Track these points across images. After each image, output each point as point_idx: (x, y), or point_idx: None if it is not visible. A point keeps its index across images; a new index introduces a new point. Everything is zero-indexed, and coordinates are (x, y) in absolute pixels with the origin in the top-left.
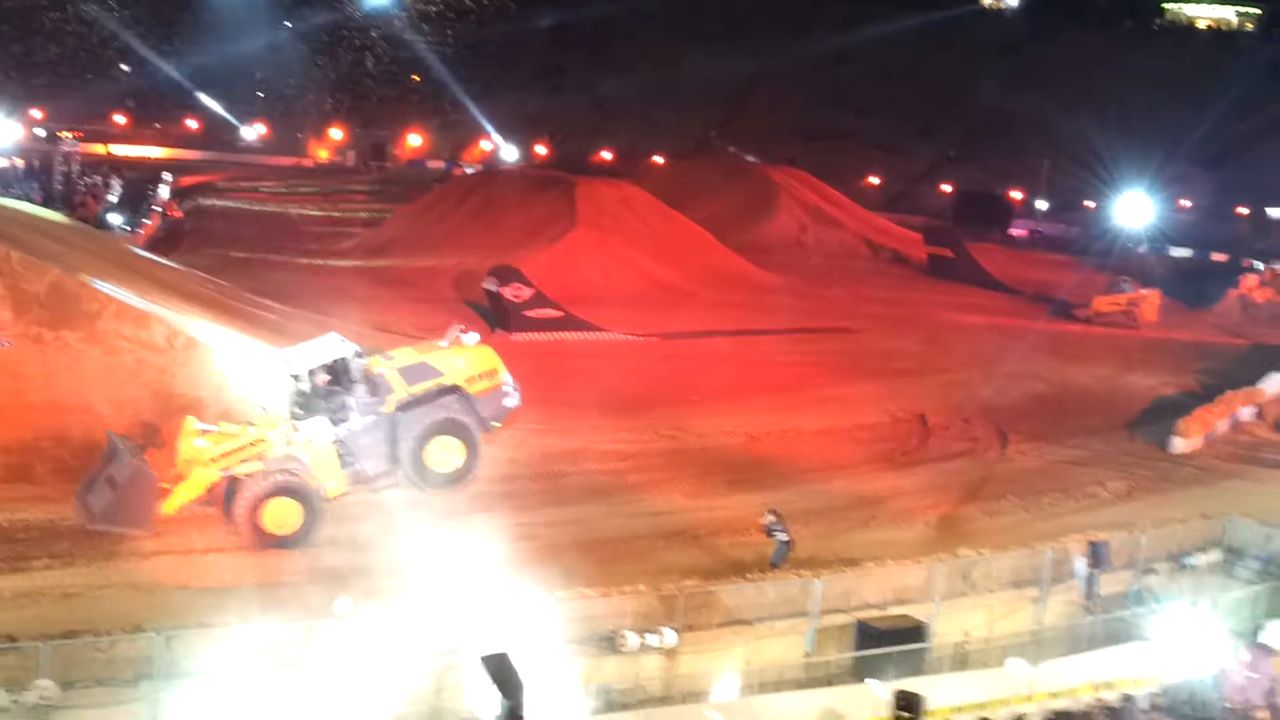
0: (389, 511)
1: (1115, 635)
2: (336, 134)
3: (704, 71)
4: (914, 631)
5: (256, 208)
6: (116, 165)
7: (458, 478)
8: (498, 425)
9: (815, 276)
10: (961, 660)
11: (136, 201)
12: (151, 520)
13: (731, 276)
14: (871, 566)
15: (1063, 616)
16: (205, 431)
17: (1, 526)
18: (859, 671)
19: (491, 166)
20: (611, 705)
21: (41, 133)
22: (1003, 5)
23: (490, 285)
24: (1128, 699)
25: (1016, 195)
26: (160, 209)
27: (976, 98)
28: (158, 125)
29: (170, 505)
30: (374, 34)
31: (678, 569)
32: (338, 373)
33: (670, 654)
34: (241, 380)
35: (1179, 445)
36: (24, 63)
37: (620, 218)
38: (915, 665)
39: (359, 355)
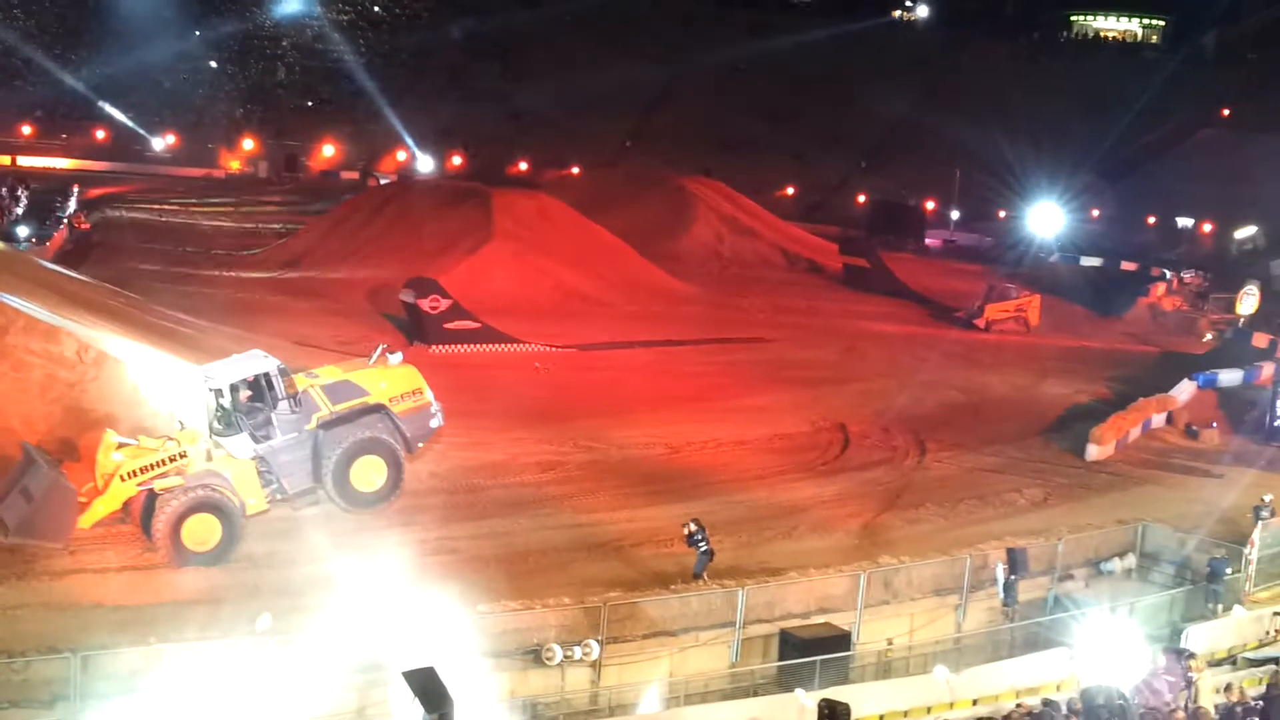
0: (307, 527)
1: (1035, 641)
2: (248, 144)
3: (617, 81)
4: (838, 640)
5: (167, 219)
6: (22, 177)
7: (380, 498)
8: (421, 445)
9: (732, 287)
10: (885, 668)
11: (43, 213)
12: (69, 533)
13: (648, 287)
14: (794, 576)
15: (983, 623)
16: (124, 445)
17: None
18: (784, 681)
19: (406, 177)
20: (538, 718)
21: None
22: (913, 17)
23: (407, 297)
24: (1048, 704)
25: (930, 205)
26: (67, 221)
27: (888, 108)
28: (64, 136)
29: (88, 519)
30: (285, 43)
31: (601, 581)
32: (260, 389)
33: (595, 666)
34: (154, 395)
35: (1094, 452)
36: None
37: (537, 228)
38: (840, 674)
39: (282, 372)
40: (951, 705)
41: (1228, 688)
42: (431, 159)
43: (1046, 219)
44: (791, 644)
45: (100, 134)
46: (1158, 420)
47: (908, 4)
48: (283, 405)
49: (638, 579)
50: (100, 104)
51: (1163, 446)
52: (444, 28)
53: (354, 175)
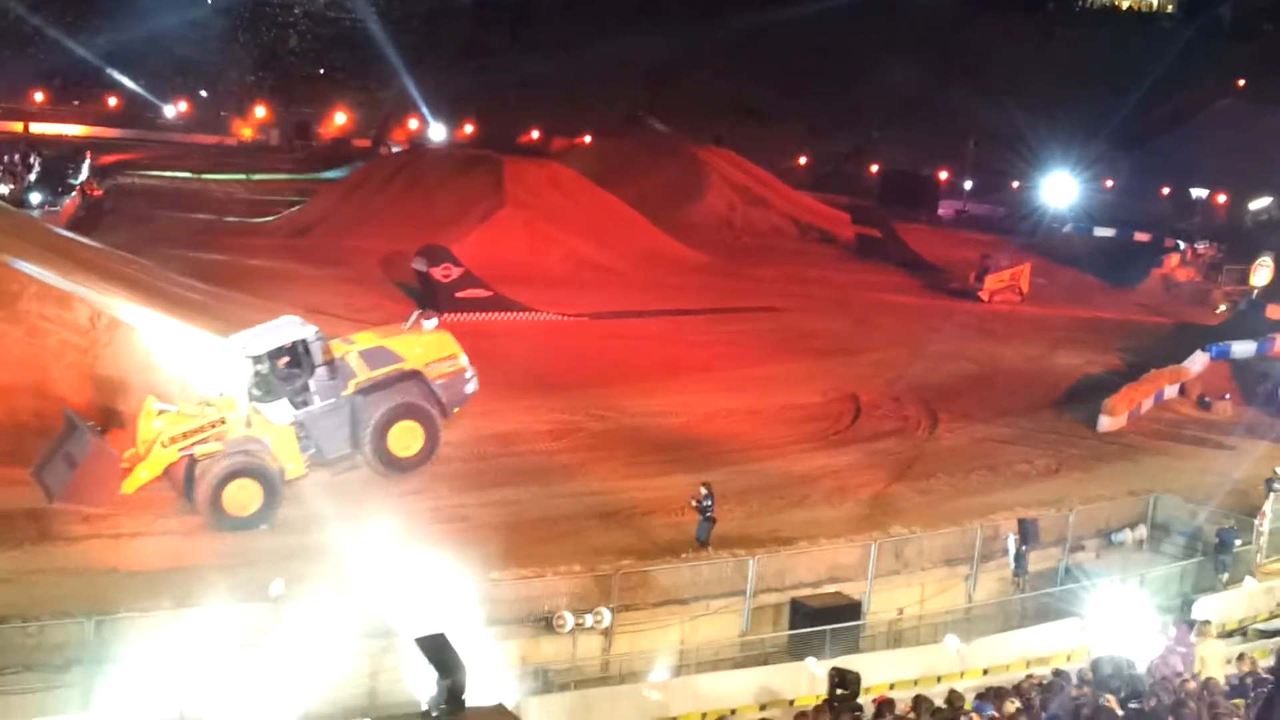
0: (318, 494)
1: (1045, 611)
2: (260, 112)
3: (630, 49)
4: (848, 609)
5: (179, 187)
6: (35, 143)
7: (417, 462)
8: (457, 410)
9: (744, 256)
10: (896, 637)
11: (56, 180)
12: (112, 498)
13: (660, 256)
14: (805, 545)
15: (994, 593)
16: (164, 412)
17: None
18: (795, 650)
19: (418, 145)
20: (549, 685)
21: None
22: None
23: (419, 265)
24: (1058, 674)
25: (943, 175)
26: (80, 188)
27: (902, 78)
28: (77, 102)
29: (130, 484)
30: (297, 10)
31: (612, 549)
32: (298, 355)
33: (607, 634)
34: (166, 361)
35: (1105, 423)
36: None
37: (549, 197)
38: (850, 643)
39: (319, 338)
40: (962, 675)
41: (1239, 658)
42: (443, 127)
43: (1060, 189)
44: (802, 613)
45: (112, 101)
46: (1170, 391)
47: None
48: (320, 372)
49: (649, 547)
50: (112, 71)
51: (1175, 418)
52: None
53: (366, 143)
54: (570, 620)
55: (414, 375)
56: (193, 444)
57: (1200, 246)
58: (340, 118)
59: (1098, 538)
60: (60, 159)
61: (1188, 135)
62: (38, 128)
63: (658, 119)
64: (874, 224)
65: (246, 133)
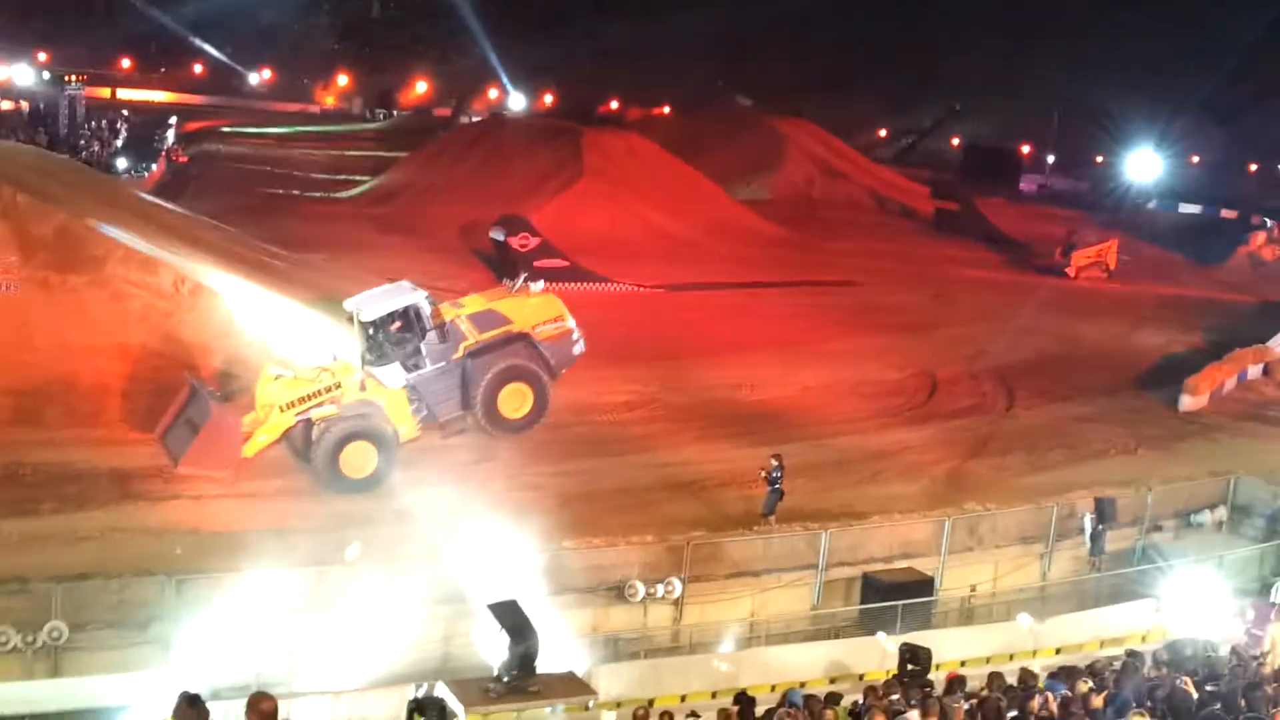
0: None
1: (1121, 592)
2: (343, 80)
3: (710, 20)
4: (921, 585)
5: (263, 153)
6: (122, 109)
7: (527, 423)
8: (564, 371)
9: (821, 230)
10: (968, 615)
11: (142, 146)
12: (233, 463)
13: (738, 229)
14: (878, 520)
15: (1069, 572)
16: (281, 377)
17: (10, 470)
18: (866, 624)
19: (498, 114)
20: (620, 654)
21: (47, 76)
22: None
23: (497, 234)
24: (1132, 654)
25: (1025, 149)
26: (166, 154)
27: (984, 51)
28: (163, 70)
29: (251, 448)
30: None
31: (684, 520)
32: (409, 319)
33: (677, 604)
34: (248, 327)
35: (1187, 403)
36: (28, 5)
37: (627, 168)
38: (922, 619)
39: (430, 302)
40: (1035, 653)
41: None
42: (523, 96)
43: (1145, 165)
44: (874, 588)
45: (198, 68)
46: (1254, 372)
47: None
48: (431, 335)
49: (720, 519)
50: (197, 39)
51: (1258, 398)
52: None
53: (446, 112)
54: (641, 590)
55: (522, 337)
56: (309, 408)
57: None
58: (421, 86)
59: (1176, 518)
60: (146, 125)
61: (1276, 110)
62: (124, 94)
63: (737, 91)
64: (953, 198)
65: (329, 100)
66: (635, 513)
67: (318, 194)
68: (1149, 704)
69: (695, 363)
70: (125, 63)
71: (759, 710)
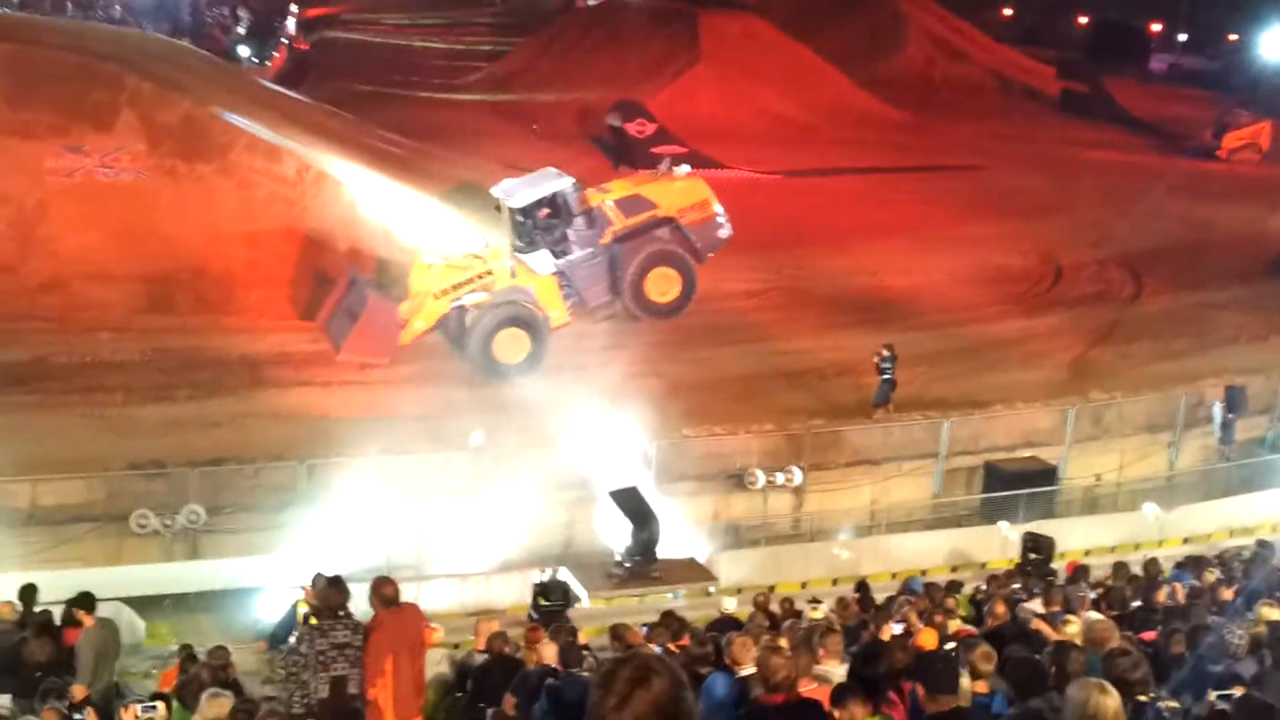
0: None
1: (1251, 481)
2: None
3: None
4: (1044, 474)
5: (382, 40)
6: None
7: (675, 308)
8: (711, 255)
9: (943, 112)
10: (1092, 504)
11: (264, 34)
12: (392, 350)
13: (857, 112)
14: (1001, 409)
15: (1197, 462)
16: (434, 264)
17: (144, 357)
18: (987, 513)
19: None
20: (740, 541)
21: None
22: None
23: (614, 120)
24: (1263, 545)
25: (1155, 27)
26: (287, 41)
27: None
28: None
29: (407, 335)
30: None
31: (803, 409)
32: (557, 206)
33: (797, 492)
34: (371, 215)
35: None
36: None
37: (744, 51)
38: (1045, 508)
39: (576, 188)
40: (1161, 543)
41: None
42: None
43: None
44: (996, 476)
45: None
46: None
47: None
48: (578, 221)
49: (840, 408)
50: None
51: None
52: None
53: None
54: (762, 478)
55: (669, 222)
56: (462, 294)
57: None
58: None
59: None
60: (268, 13)
61: None
62: None
63: None
64: (1080, 78)
65: None
66: (755, 401)
67: (436, 81)
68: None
69: (814, 250)
70: None
71: (878, 598)
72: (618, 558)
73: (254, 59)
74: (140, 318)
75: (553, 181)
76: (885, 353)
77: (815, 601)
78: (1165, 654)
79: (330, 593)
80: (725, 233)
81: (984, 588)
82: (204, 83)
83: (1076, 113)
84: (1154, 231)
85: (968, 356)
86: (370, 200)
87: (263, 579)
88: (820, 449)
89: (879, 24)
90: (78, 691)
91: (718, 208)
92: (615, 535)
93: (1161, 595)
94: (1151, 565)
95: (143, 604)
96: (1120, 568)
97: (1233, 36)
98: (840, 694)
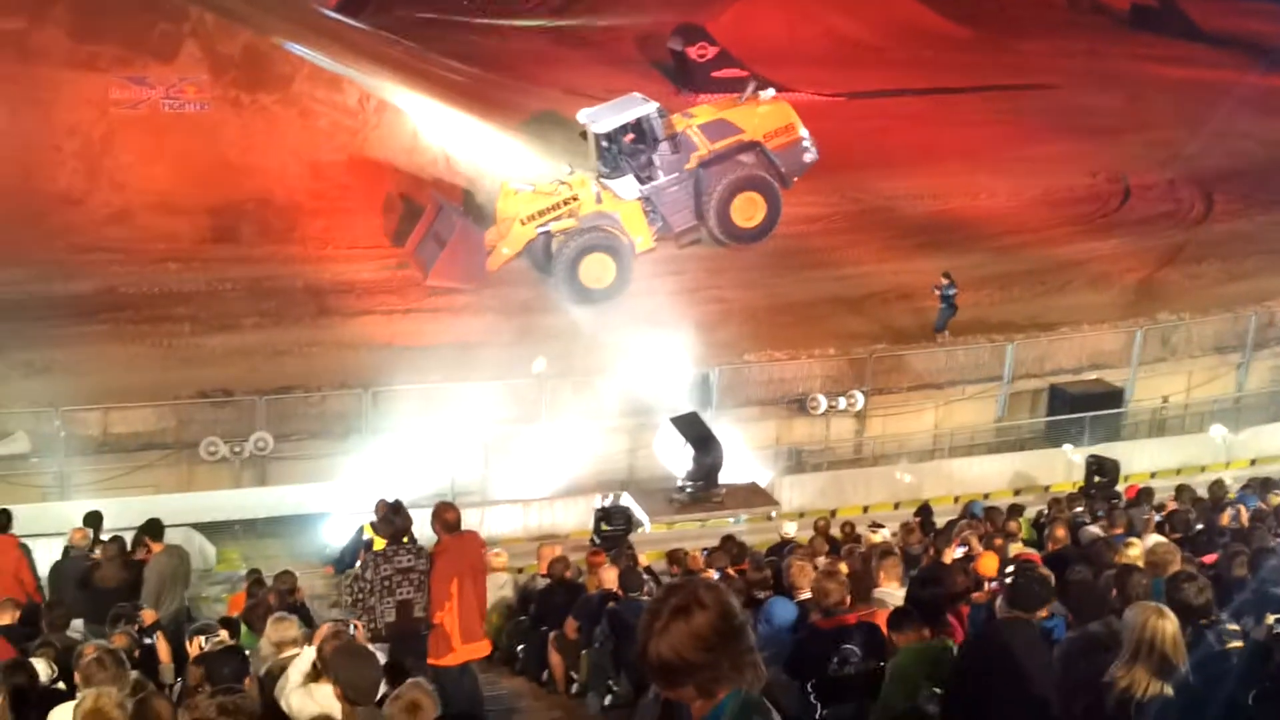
0: None
1: None
2: None
3: None
4: (1110, 396)
5: None
6: None
7: (760, 232)
8: (796, 179)
9: (1009, 29)
10: (1159, 426)
11: None
12: (480, 276)
13: (921, 30)
14: (1066, 331)
15: (1266, 383)
16: (520, 191)
17: (211, 287)
18: (1052, 436)
19: None
20: (802, 465)
21: None
22: None
23: (675, 44)
24: None
25: None
26: None
27: None
28: None
29: (494, 261)
30: None
31: (865, 333)
32: (642, 131)
33: (860, 416)
34: (433, 143)
35: None
36: None
37: None
38: (1111, 430)
39: (660, 114)
40: (1228, 465)
41: None
42: None
43: None
44: (1061, 399)
45: None
46: None
47: None
48: (663, 147)
49: (902, 332)
50: None
51: None
52: None
53: None
54: (824, 402)
55: (754, 146)
56: (548, 221)
57: None
58: None
59: None
60: None
61: None
62: None
63: None
64: None
65: None
66: (816, 325)
67: (495, 6)
68: None
69: (878, 173)
70: None
71: (939, 522)
72: (679, 483)
73: None
74: (206, 248)
75: (638, 107)
76: (945, 280)
77: (877, 526)
78: (1227, 576)
79: (391, 519)
80: (811, 156)
81: (1046, 511)
82: (265, 13)
83: (1147, 28)
84: (1227, 150)
85: (1034, 279)
86: (432, 129)
87: (329, 505)
88: (883, 373)
89: None
90: (147, 616)
91: (803, 131)
92: (677, 461)
93: (1226, 517)
94: (1217, 487)
95: (213, 530)
96: (1183, 490)
97: None
98: (897, 618)
